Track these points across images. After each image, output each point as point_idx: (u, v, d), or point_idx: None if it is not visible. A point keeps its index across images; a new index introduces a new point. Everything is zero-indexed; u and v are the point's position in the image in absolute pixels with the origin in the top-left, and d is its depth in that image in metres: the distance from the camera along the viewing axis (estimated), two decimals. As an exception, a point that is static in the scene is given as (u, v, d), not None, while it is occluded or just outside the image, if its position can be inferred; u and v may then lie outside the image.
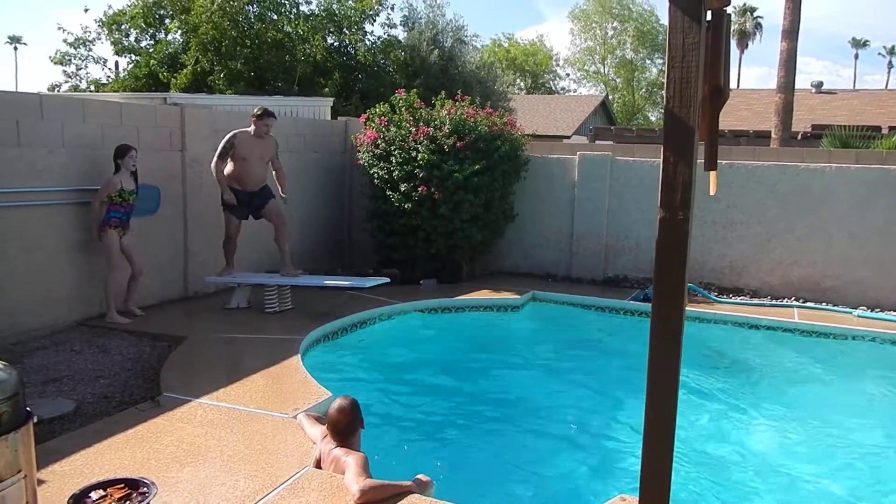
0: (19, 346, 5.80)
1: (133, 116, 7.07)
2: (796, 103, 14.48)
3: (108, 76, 19.21)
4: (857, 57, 68.89)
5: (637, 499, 2.51)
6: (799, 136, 15.36)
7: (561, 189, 9.48)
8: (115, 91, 16.56)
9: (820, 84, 26.09)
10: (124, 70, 18.70)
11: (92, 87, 18.63)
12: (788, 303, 8.29)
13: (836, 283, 8.29)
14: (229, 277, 7.45)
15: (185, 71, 16.08)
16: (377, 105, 9.37)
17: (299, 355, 5.59)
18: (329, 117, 12.02)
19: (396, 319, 7.41)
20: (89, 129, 6.61)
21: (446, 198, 8.50)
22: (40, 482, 3.34)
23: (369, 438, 3.82)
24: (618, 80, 47.24)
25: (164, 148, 7.38)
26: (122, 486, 3.17)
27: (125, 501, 3.08)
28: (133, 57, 18.27)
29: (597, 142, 16.08)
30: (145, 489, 3.15)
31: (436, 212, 8.60)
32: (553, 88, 46.32)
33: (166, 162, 7.40)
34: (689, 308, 7.64)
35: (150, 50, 17.62)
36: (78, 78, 19.00)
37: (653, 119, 45.26)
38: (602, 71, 47.83)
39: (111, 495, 3.10)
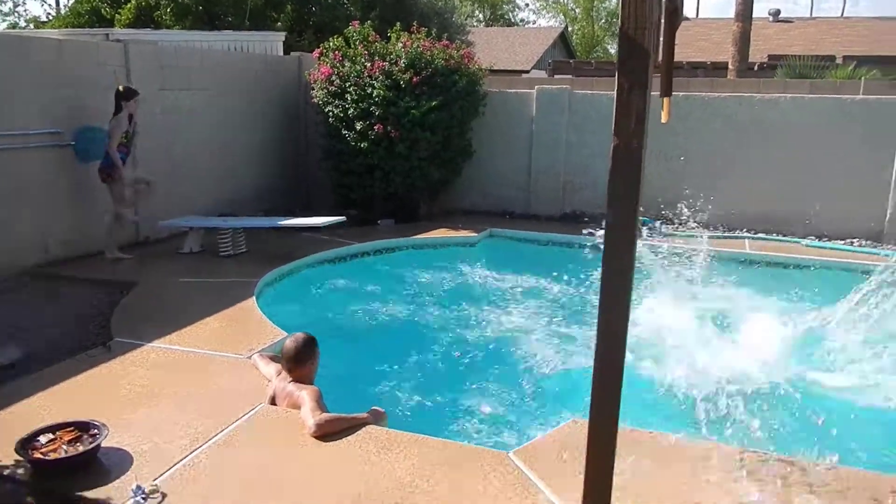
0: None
1: (73, 54, 6.74)
2: (753, 33, 14.46)
3: (49, 13, 18.31)
4: (814, -17, 68.69)
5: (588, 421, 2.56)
6: (756, 67, 15.40)
7: (519, 125, 9.39)
8: (56, 29, 15.78)
9: (777, 12, 26.01)
10: (65, 6, 17.82)
11: (31, 26, 17.73)
12: (741, 234, 8.43)
13: (789, 215, 8.44)
14: (181, 221, 7.28)
15: (129, 6, 15.35)
16: (331, 39, 9.09)
17: (254, 297, 5.54)
18: (281, 53, 11.64)
19: (353, 259, 7.37)
20: (28, 68, 6.28)
21: (403, 136, 8.37)
22: (-13, 429, 3.29)
23: (324, 374, 3.83)
24: (577, 11, 46.52)
25: (109, 87, 7.05)
26: (72, 428, 3.16)
27: (76, 443, 3.06)
28: (73, -8, 17.38)
29: (556, 76, 15.93)
30: (96, 431, 3.14)
31: (393, 150, 8.47)
32: (513, 20, 45.50)
33: (111, 103, 7.07)
34: (646, 241, 7.75)
35: (91, -16, 16.74)
36: (16, 15, 18.08)
37: (612, 52, 44.81)
38: (561, 0, 47.03)
39: (61, 438, 3.08)
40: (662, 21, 2.59)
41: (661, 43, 2.68)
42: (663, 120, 3.25)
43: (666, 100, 3.02)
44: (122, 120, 6.51)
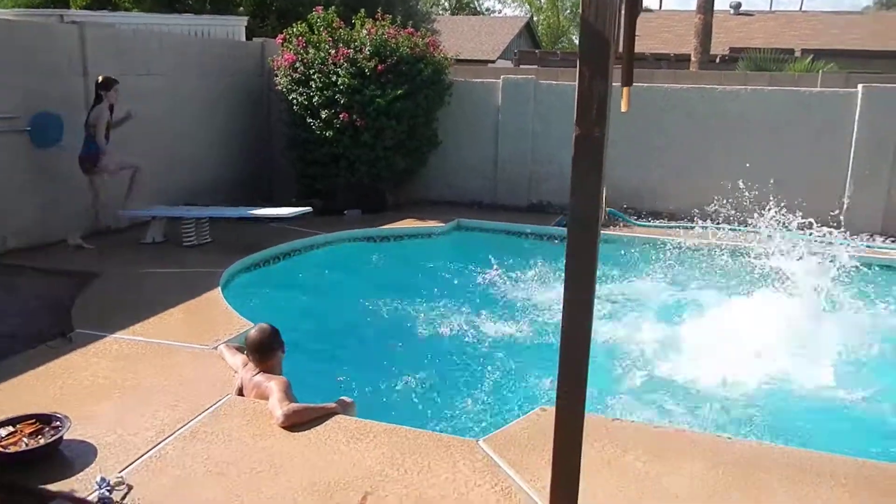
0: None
1: (25, 36, 6.53)
2: (715, 25, 14.68)
3: (-1, -6, 17.65)
4: (774, -21, 69.95)
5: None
6: (717, 60, 15.64)
7: (485, 115, 9.40)
8: (6, 9, 15.27)
9: (738, 5, 26.38)
10: (18, -14, 17.22)
11: (-20, 7, 17.11)
12: (704, 224, 8.57)
13: (751, 204, 8.58)
14: (144, 211, 7.14)
15: (85, -12, 14.92)
16: (295, 24, 8.97)
17: (219, 288, 5.48)
18: (244, 38, 11.44)
19: (319, 250, 7.32)
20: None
21: (369, 125, 8.32)
22: (-57, 423, 3.20)
23: (292, 365, 3.81)
24: (542, 1, 46.62)
25: (63, 72, 6.88)
26: (34, 421, 3.10)
27: (37, 436, 3.01)
28: (26, -28, 16.79)
29: (521, 66, 15.97)
30: (58, 423, 3.08)
31: (358, 139, 8.42)
32: (478, 9, 45.43)
33: (67, 88, 6.91)
34: (609, 232, 7.85)
35: (45, -36, 16.22)
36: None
37: (577, 42, 45.08)
38: (526, -12, 47.05)
39: (21, 430, 3.02)
40: (622, 11, 2.61)
41: (622, 33, 2.71)
42: (623, 109, 3.28)
43: (626, 89, 3.06)
44: (104, 110, 6.53)
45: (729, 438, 3.35)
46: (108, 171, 6.73)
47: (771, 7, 29.88)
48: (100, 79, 6.62)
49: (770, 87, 8.54)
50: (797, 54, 14.64)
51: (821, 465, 3.07)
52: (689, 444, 3.24)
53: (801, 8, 29.10)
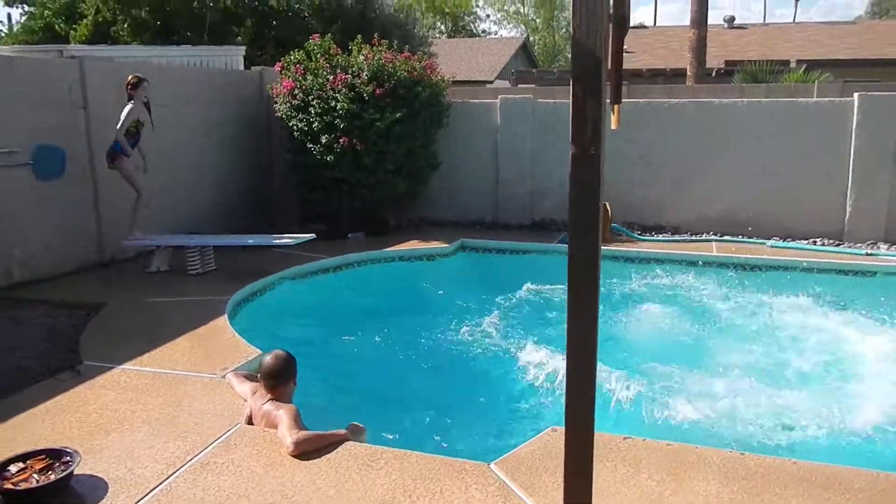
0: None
1: (26, 71, 6.60)
2: (710, 39, 14.79)
3: (0, 30, 17.91)
4: (765, -10, 70.60)
5: (565, 430, 2.59)
6: (713, 73, 15.76)
7: (484, 134, 9.45)
8: (7, 46, 15.45)
9: (732, 19, 26.62)
10: (17, 23, 17.47)
11: (-18, 43, 17.35)
12: (707, 237, 8.59)
13: (751, 216, 8.62)
14: (148, 240, 7.17)
15: (84, 22, 15.10)
16: (292, 52, 9.06)
17: (226, 315, 5.48)
18: (242, 67, 11.55)
19: (326, 274, 7.32)
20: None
21: (369, 148, 8.37)
22: (-47, 461, 3.19)
23: (300, 391, 3.80)
24: (538, 21, 47.11)
25: (64, 105, 6.94)
26: (44, 456, 3.09)
27: (47, 472, 3.00)
28: (26, 8, 17.03)
29: (519, 85, 16.08)
30: (68, 458, 3.07)
31: (359, 163, 8.46)
32: (474, 31, 45.86)
33: (67, 120, 6.97)
34: (613, 247, 7.86)
35: (45, -1, 16.45)
36: (-34, 32, 17.65)
37: (572, 61, 45.44)
38: (522, 11, 47.57)
39: (31, 467, 3.01)
40: (610, 30, 2.65)
41: (610, 51, 2.74)
42: (613, 126, 3.29)
43: (616, 107, 3.08)
44: (133, 109, 6.78)
45: (741, 454, 3.32)
46: (123, 170, 6.88)
47: (765, 20, 30.09)
48: (129, 78, 6.85)
49: (767, 99, 8.59)
50: (792, 65, 14.75)
51: (837, 478, 3.05)
52: (702, 461, 3.22)
53: (794, 20, 29.33)
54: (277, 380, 3.59)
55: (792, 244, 8.15)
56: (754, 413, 4.29)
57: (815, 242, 8.24)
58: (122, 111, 6.80)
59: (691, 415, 4.24)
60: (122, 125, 6.75)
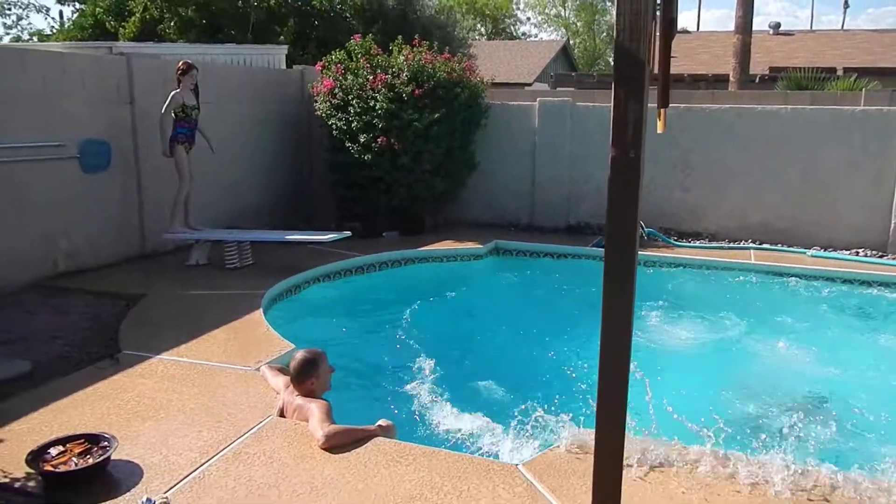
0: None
1: (77, 67, 6.79)
2: (754, 45, 14.54)
3: (52, 27, 18.47)
4: (814, -3, 69.18)
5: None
6: (757, 79, 15.47)
7: (522, 137, 9.43)
8: (59, 42, 15.91)
9: (777, 25, 26.14)
10: (69, 20, 17.97)
11: (34, 39, 17.87)
12: (745, 245, 8.45)
13: (791, 225, 8.46)
14: (188, 234, 7.31)
15: (132, 19, 15.48)
16: (334, 52, 9.16)
17: (261, 309, 5.57)
18: (284, 66, 11.71)
19: (361, 271, 7.38)
20: (30, 81, 6.34)
21: (406, 148, 8.42)
22: (-3, 441, 3.30)
23: (333, 386, 3.84)
24: (579, 24, 46.83)
25: (112, 100, 7.12)
26: (82, 440, 3.17)
27: (85, 456, 3.08)
28: (77, 5, 17.52)
29: (558, 88, 16.00)
30: (106, 443, 3.15)
31: (396, 163, 8.51)
32: (514, 33, 45.80)
33: (115, 115, 7.16)
34: (650, 252, 7.78)
35: (95, -3, 16.91)
36: (19, 28, 18.23)
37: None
38: (563, 14, 47.35)
39: (71, 450, 3.09)
40: (657, 32, 2.62)
41: (657, 54, 2.72)
42: (659, 130, 3.26)
43: (662, 111, 3.05)
44: (177, 93, 6.97)
45: (770, 462, 3.26)
46: (175, 157, 7.05)
47: (811, 27, 29.48)
48: (179, 64, 7.07)
49: (811, 106, 8.41)
50: (839, 73, 14.42)
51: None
52: (731, 469, 3.17)
53: (842, 27, 28.67)
54: (299, 377, 3.67)
55: (834, 254, 7.97)
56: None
57: (857, 253, 8.04)
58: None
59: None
60: (165, 108, 6.96)
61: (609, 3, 45.15)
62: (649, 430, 3.39)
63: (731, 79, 13.84)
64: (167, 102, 6.96)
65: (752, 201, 8.61)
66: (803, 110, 8.41)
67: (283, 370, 4.09)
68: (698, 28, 35.47)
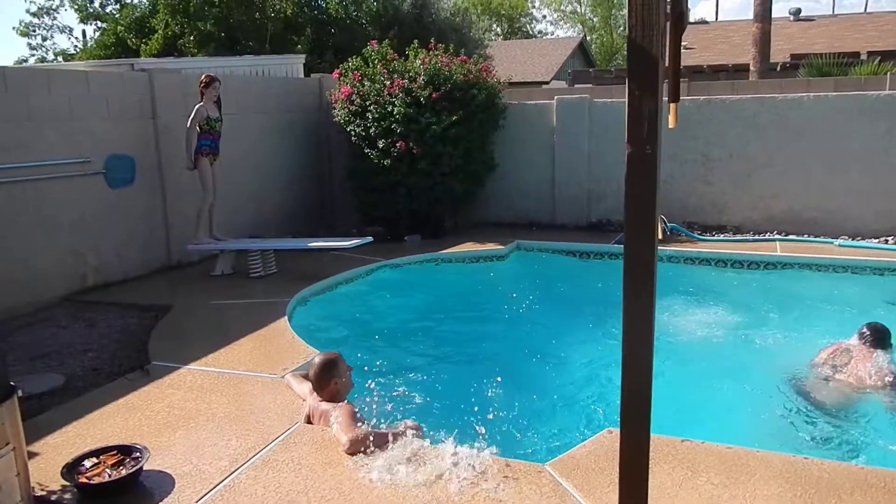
0: (2, 326, 5.78)
1: (100, 85, 6.92)
2: (774, 32, 14.34)
3: (76, 46, 18.83)
4: (835, -19, 68.04)
5: (621, 431, 2.57)
6: (778, 68, 15.26)
7: (540, 136, 9.42)
8: (83, 61, 16.22)
9: (798, 11, 25.75)
10: (91, 39, 18.31)
11: (59, 59, 18.24)
12: (771, 237, 8.35)
13: (817, 215, 8.34)
14: (212, 244, 7.41)
15: (155, 36, 15.73)
16: (350, 59, 9.22)
17: (286, 317, 5.63)
18: (302, 75, 11.82)
19: (383, 276, 7.43)
20: (55, 100, 6.48)
21: (425, 152, 8.45)
22: (33, 455, 3.39)
23: (358, 390, 3.87)
24: (595, 20, 46.57)
25: (135, 116, 7.25)
26: (115, 452, 3.23)
27: (118, 467, 3.13)
28: (99, 24, 17.84)
29: (576, 85, 15.93)
30: (138, 454, 3.21)
31: (415, 167, 8.54)
32: (530, 32, 45.69)
33: (138, 131, 7.28)
34: (673, 247, 7.72)
35: (117, 15, 17.19)
36: (44, 49, 18.63)
37: (630, 59, 44.74)
38: (579, 10, 47.13)
39: (104, 462, 3.15)
40: (668, 27, 2.61)
41: (668, 48, 2.70)
42: (670, 125, 3.24)
43: (673, 105, 3.03)
44: (201, 107, 7.07)
45: (805, 458, 3.22)
46: (199, 169, 7.16)
47: (833, 11, 28.98)
48: (202, 77, 7.19)
49: (834, 93, 8.28)
50: (863, 57, 14.17)
51: (906, 485, 2.93)
52: (763, 465, 3.14)
53: (865, 9, 28.16)
54: (320, 381, 3.72)
55: (862, 243, 7.84)
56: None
57: (885, 241, 7.90)
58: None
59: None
60: (190, 122, 7.06)
61: (625, -2, 44.84)
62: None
63: (752, 68, 13.65)
64: (192, 116, 7.05)
65: (777, 192, 8.50)
66: (826, 97, 8.28)
67: (306, 377, 4.13)
68: (717, 18, 35.10)
